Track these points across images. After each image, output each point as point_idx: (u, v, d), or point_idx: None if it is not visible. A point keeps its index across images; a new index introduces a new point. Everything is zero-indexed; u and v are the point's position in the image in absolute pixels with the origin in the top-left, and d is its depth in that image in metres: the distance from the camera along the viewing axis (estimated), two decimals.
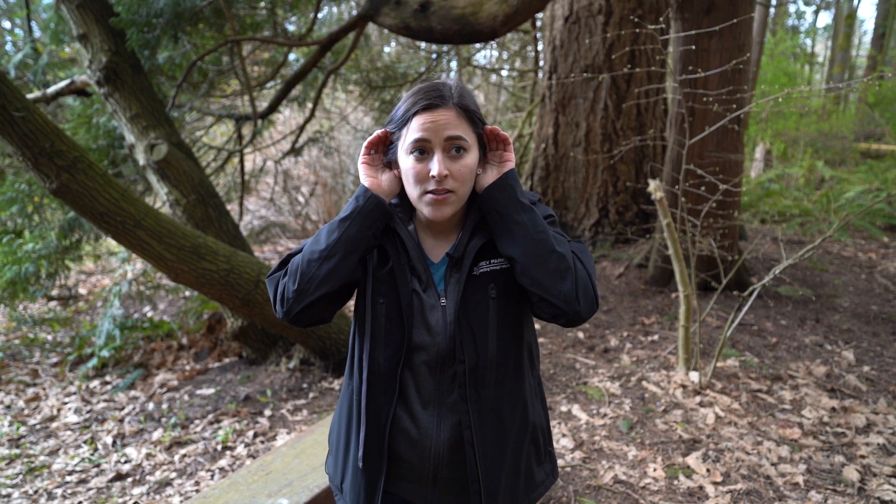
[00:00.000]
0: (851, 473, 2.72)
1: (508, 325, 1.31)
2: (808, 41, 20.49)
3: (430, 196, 1.24)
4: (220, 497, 2.21)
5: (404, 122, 1.25)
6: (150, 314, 6.14)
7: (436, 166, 1.21)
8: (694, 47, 3.85)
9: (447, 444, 1.30)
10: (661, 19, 3.69)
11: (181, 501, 2.94)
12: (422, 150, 1.23)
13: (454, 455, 1.31)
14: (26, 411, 4.14)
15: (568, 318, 1.24)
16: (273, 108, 5.27)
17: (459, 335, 1.27)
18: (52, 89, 4.93)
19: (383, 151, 1.34)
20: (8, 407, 4.22)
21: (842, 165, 10.42)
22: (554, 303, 1.22)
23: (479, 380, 1.29)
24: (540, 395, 1.45)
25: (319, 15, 6.26)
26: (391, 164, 1.33)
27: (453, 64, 9.24)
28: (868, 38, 20.51)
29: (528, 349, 1.39)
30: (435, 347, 1.28)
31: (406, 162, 1.25)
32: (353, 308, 1.43)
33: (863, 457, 2.85)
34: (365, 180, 1.31)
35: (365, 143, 1.32)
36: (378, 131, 1.32)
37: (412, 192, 1.27)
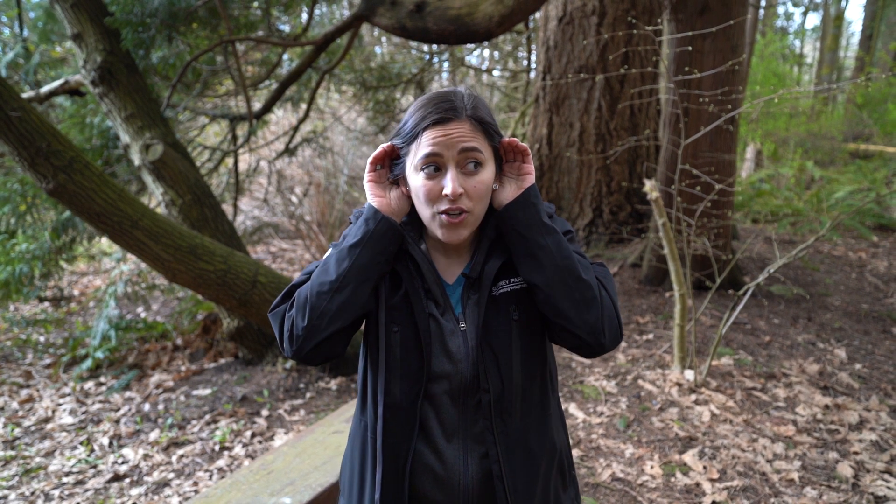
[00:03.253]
0: (845, 469, 2.76)
1: (532, 348, 1.23)
2: (797, 42, 20.67)
3: (444, 218, 1.15)
4: (223, 497, 2.21)
5: (413, 136, 1.15)
6: (143, 315, 6.11)
7: (449, 184, 1.12)
8: (693, 48, 3.88)
9: (477, 478, 1.21)
10: (658, 21, 3.72)
11: (180, 502, 2.94)
12: (434, 166, 1.13)
13: (485, 489, 1.22)
14: (20, 413, 4.11)
15: (591, 349, 1.17)
16: (268, 108, 5.26)
17: (483, 362, 1.19)
18: (45, 89, 4.90)
19: (389, 166, 1.24)
20: (1, 408, 4.19)
21: (831, 165, 10.52)
22: (578, 334, 1.15)
23: (506, 409, 1.21)
24: (560, 416, 1.37)
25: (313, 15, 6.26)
26: (398, 181, 1.23)
27: (445, 64, 9.25)
28: (856, 40, 20.74)
29: (550, 370, 1.31)
30: (458, 376, 1.20)
31: (416, 179, 1.16)
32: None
33: (856, 453, 2.89)
34: (373, 200, 1.20)
35: (369, 160, 1.21)
36: (384, 145, 1.21)
37: (423, 211, 1.18)
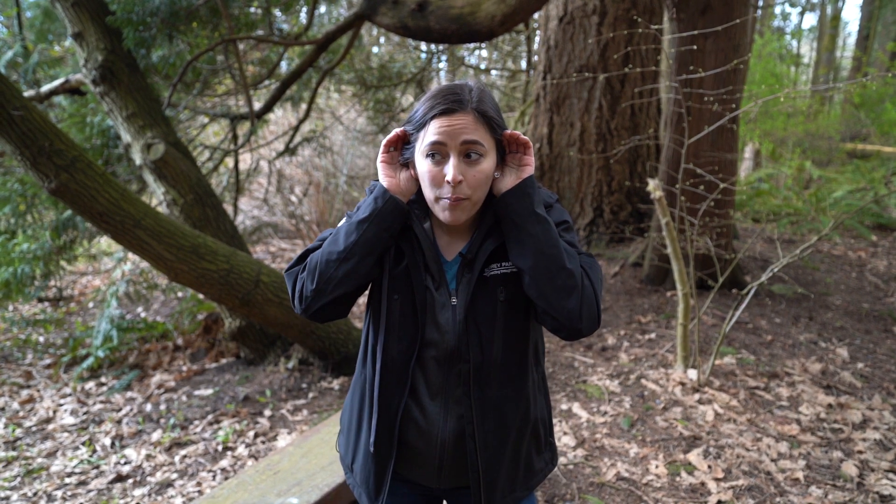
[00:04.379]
0: (850, 468, 2.76)
1: (515, 327, 1.34)
2: (794, 42, 20.71)
3: (445, 201, 1.25)
4: (229, 497, 2.20)
5: (422, 124, 1.26)
6: (143, 315, 6.09)
7: (450, 171, 1.22)
8: (696, 47, 3.89)
9: (453, 434, 1.34)
10: (665, 19, 3.72)
11: (184, 502, 2.93)
12: (437, 153, 1.23)
13: (458, 444, 1.35)
14: (21, 413, 4.10)
15: (568, 333, 1.27)
16: (269, 107, 5.25)
17: (466, 335, 1.30)
18: (45, 88, 4.88)
19: (400, 150, 1.34)
20: (2, 409, 4.17)
21: (829, 165, 10.55)
22: (557, 318, 1.25)
23: (484, 379, 1.33)
24: (543, 389, 1.48)
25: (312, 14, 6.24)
26: (408, 164, 1.33)
27: (442, 64, 9.24)
28: (852, 40, 20.80)
29: (534, 347, 1.42)
30: (444, 345, 1.31)
31: (422, 165, 1.26)
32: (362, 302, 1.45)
33: (860, 452, 2.90)
34: (384, 180, 1.31)
35: (383, 142, 1.32)
36: (397, 130, 1.32)
37: (427, 194, 1.28)
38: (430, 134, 1.23)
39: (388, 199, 1.28)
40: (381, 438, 1.36)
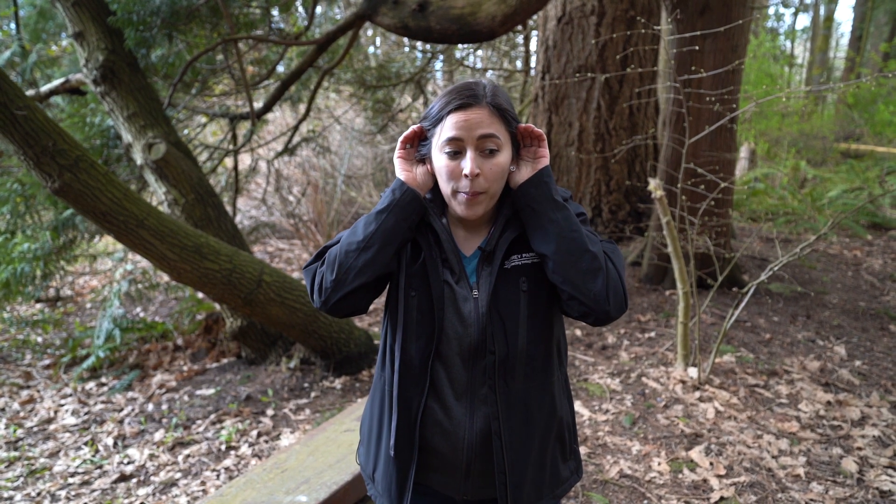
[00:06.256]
0: (850, 465, 2.79)
1: (538, 318, 1.33)
2: (788, 43, 20.82)
3: (462, 195, 1.26)
4: (238, 495, 2.22)
5: (438, 120, 1.27)
6: (141, 315, 6.08)
7: (468, 165, 1.23)
8: (697, 48, 3.92)
9: (480, 435, 1.31)
10: (667, 20, 3.75)
11: (189, 501, 2.93)
12: (455, 148, 1.25)
13: (487, 446, 1.32)
14: (22, 413, 4.09)
15: (597, 317, 1.26)
16: (269, 107, 5.25)
17: (490, 326, 1.29)
18: (45, 88, 4.87)
19: (417, 146, 1.35)
20: (2, 409, 4.16)
21: (823, 165, 10.62)
22: (584, 302, 1.24)
23: (509, 372, 1.31)
24: (567, 391, 1.46)
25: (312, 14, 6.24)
26: (424, 160, 1.35)
27: (438, 64, 9.23)
28: (845, 41, 20.90)
29: (557, 344, 1.40)
30: (467, 338, 1.30)
31: (439, 160, 1.27)
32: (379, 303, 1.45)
33: (860, 449, 2.93)
34: (401, 174, 1.33)
35: (400, 138, 1.33)
36: (413, 126, 1.33)
37: (445, 189, 1.29)
38: (447, 129, 1.25)
39: (406, 190, 1.29)
40: (402, 441, 1.33)
